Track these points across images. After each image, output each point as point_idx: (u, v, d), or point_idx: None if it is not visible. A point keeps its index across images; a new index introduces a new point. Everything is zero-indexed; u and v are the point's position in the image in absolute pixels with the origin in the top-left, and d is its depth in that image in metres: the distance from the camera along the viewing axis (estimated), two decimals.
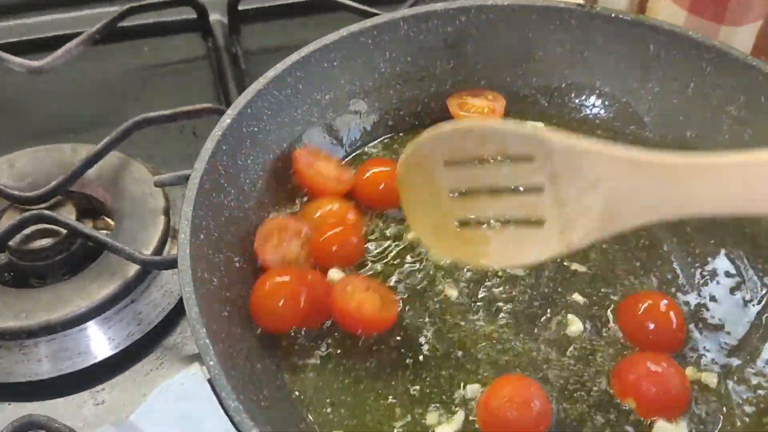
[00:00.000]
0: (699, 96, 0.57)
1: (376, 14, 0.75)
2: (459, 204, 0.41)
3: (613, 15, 0.58)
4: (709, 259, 0.52)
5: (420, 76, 0.61)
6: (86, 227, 0.55)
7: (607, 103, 0.61)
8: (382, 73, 0.59)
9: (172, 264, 0.53)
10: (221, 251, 0.46)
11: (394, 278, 0.50)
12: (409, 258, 0.51)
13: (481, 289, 0.49)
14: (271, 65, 0.77)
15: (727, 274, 0.51)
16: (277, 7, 0.83)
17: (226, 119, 0.49)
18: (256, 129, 0.52)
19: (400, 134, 0.61)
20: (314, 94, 0.56)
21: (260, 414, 0.37)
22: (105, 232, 0.58)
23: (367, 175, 0.54)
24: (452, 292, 0.49)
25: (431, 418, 0.43)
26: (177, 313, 0.56)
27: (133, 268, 0.54)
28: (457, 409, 0.44)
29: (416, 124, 0.61)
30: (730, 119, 0.56)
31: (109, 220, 0.61)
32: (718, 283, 0.50)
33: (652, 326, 0.45)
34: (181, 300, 0.55)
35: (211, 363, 0.36)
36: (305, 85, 0.55)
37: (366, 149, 0.59)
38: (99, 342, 0.53)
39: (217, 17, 0.81)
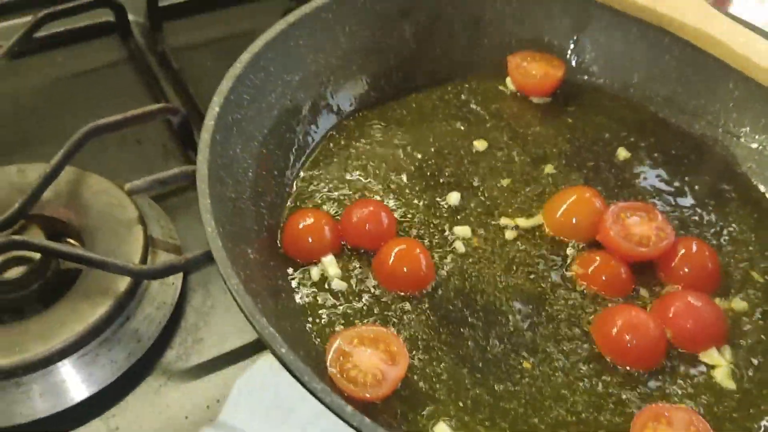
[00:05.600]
0: (643, 40, 0.61)
1: None
2: None
3: None
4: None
5: (379, 48, 0.61)
6: (67, 246, 0.51)
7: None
8: (344, 49, 0.59)
9: (170, 271, 0.51)
10: (237, 245, 0.44)
11: None
12: None
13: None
14: (202, 59, 0.76)
15: None
16: (196, 0, 0.80)
17: (215, 107, 0.47)
18: (239, 116, 0.50)
19: (366, 111, 0.60)
20: (284, 76, 0.55)
21: None
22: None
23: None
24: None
25: None
26: (172, 324, 0.53)
27: (122, 284, 0.51)
28: None
29: (381, 98, 0.61)
30: (673, 60, 0.60)
31: (73, 242, 0.57)
32: None
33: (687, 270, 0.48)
34: (176, 310, 0.53)
35: (283, 350, 0.35)
36: (276, 67, 0.54)
37: (334, 132, 0.59)
38: (101, 366, 0.49)
39: (134, 17, 0.77)
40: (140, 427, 0.48)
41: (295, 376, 0.34)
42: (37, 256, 0.52)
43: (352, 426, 0.32)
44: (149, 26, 0.77)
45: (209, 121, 0.46)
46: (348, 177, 0.55)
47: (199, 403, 0.49)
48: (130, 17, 0.77)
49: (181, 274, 0.55)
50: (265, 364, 0.34)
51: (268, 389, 0.33)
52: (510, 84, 0.63)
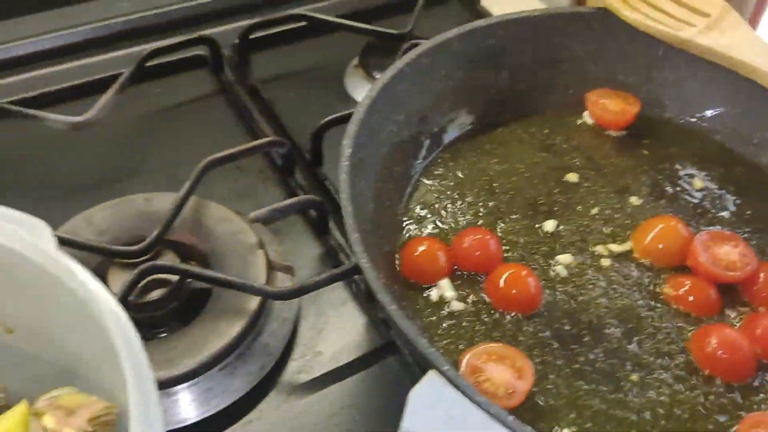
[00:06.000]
0: (712, 78, 0.66)
1: (379, 31, 0.81)
2: None
3: None
4: None
5: (470, 88, 0.66)
6: (209, 270, 0.57)
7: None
8: (439, 90, 0.64)
9: (300, 292, 0.56)
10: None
11: None
12: None
13: None
14: (287, 91, 0.82)
15: None
16: (280, 33, 0.86)
17: (347, 149, 0.52)
18: (361, 156, 0.55)
19: (460, 144, 0.66)
20: (392, 116, 0.60)
21: None
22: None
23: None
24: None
25: None
26: (292, 339, 0.59)
27: (253, 303, 0.56)
28: None
29: (472, 132, 0.67)
30: (740, 95, 0.65)
31: (194, 264, 0.62)
32: None
33: None
34: (295, 326, 0.59)
35: (446, 368, 0.40)
36: (386, 109, 0.59)
37: (435, 164, 0.64)
38: (239, 377, 0.55)
39: (225, 51, 0.83)
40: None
41: (460, 390, 0.39)
42: (175, 278, 0.58)
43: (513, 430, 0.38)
44: (238, 59, 0.83)
45: (344, 162, 0.52)
46: (450, 205, 0.61)
47: (326, 410, 0.55)
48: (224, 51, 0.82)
49: None
50: (427, 380, 0.39)
51: (440, 399, 0.38)
52: (588, 118, 0.68)
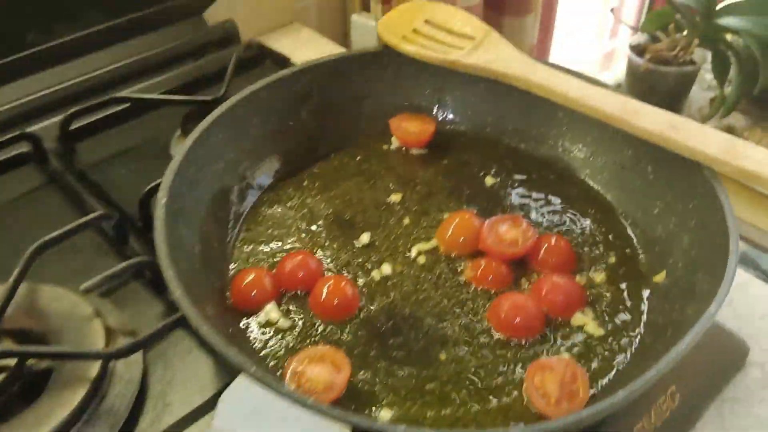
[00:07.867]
0: (489, 90, 0.76)
1: (195, 100, 0.87)
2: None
3: None
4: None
5: (284, 130, 0.74)
6: (37, 346, 0.58)
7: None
8: (255, 136, 0.71)
9: (134, 348, 0.58)
10: (198, 305, 0.55)
11: None
12: None
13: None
14: (117, 169, 0.84)
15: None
16: (104, 118, 0.89)
17: (162, 199, 0.58)
18: (180, 205, 0.60)
19: (281, 183, 0.73)
20: (211, 166, 0.66)
21: None
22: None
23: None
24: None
25: None
26: (142, 395, 0.60)
27: (93, 369, 0.57)
28: None
29: (292, 169, 0.74)
30: (514, 101, 0.75)
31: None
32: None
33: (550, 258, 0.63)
34: (142, 384, 0.60)
35: (253, 369, 0.46)
36: (204, 160, 0.65)
37: (258, 204, 0.71)
38: None
39: (47, 144, 0.84)
40: None
41: (266, 385, 0.45)
42: (13, 362, 0.57)
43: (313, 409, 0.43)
44: (63, 150, 0.85)
45: (160, 211, 0.57)
46: (275, 236, 0.67)
47: None
48: (46, 144, 0.84)
49: (141, 352, 0.62)
50: (241, 378, 0.45)
51: (247, 396, 0.44)
52: (395, 141, 0.77)
